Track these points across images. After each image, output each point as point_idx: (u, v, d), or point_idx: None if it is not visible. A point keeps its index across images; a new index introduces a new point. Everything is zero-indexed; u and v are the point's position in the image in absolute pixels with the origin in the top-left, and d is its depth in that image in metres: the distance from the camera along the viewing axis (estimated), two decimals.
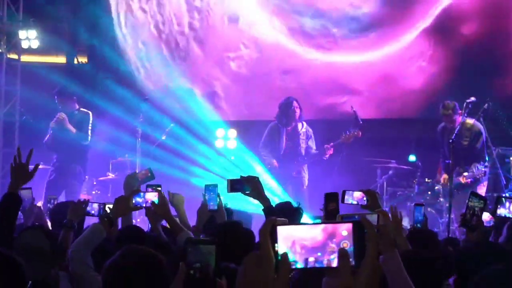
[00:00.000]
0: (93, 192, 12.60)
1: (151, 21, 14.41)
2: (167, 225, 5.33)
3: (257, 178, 5.73)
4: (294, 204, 6.50)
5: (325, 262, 1.94)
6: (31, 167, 5.07)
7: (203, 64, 13.82)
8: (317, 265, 1.95)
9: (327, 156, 10.88)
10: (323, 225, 1.96)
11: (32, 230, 4.74)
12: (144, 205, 5.26)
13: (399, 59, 12.79)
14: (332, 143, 10.90)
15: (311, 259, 1.94)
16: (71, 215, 5.41)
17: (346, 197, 5.64)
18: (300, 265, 1.95)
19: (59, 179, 10.70)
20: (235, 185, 5.70)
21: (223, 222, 5.53)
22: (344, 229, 1.95)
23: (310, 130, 11.10)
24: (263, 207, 5.60)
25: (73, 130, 10.56)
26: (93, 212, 5.91)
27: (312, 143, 11.06)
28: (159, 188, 5.63)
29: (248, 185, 5.66)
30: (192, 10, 14.04)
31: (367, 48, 12.79)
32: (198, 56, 13.96)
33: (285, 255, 1.90)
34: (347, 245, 1.94)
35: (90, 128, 10.69)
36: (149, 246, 3.86)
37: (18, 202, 4.96)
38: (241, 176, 5.77)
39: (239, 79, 13.57)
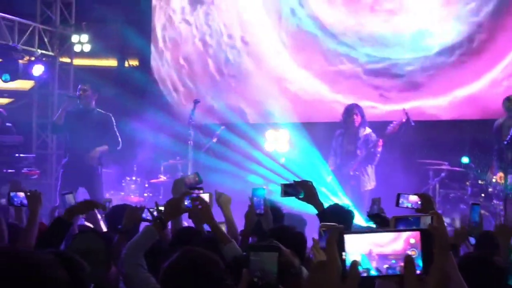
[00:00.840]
0: (145, 195, 12.70)
1: (196, 34, 14.42)
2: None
3: (311, 182, 5.69)
4: (346, 207, 6.44)
5: (398, 269, 1.95)
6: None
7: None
8: (390, 272, 1.95)
9: (379, 149, 10.84)
10: (393, 233, 1.96)
11: (87, 233, 4.79)
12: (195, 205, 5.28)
13: None
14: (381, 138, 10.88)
15: (384, 266, 1.94)
16: (127, 221, 5.44)
17: (401, 200, 5.60)
18: (374, 272, 1.95)
19: (77, 179, 10.27)
20: (288, 190, 5.67)
21: (274, 227, 5.51)
22: (412, 237, 1.95)
23: (373, 135, 11.01)
24: (317, 212, 5.57)
25: (106, 149, 10.44)
26: (148, 217, 5.91)
27: (374, 149, 10.96)
28: (201, 191, 5.61)
29: (301, 189, 5.63)
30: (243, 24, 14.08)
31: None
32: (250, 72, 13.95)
33: (355, 263, 1.90)
34: (415, 252, 1.94)
35: (116, 130, 10.54)
36: (203, 247, 3.89)
37: (67, 228, 5.03)
38: (294, 181, 5.74)
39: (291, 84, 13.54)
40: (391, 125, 10.97)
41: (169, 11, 14.69)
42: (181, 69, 14.54)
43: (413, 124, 11.06)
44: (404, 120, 10.93)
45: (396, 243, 1.94)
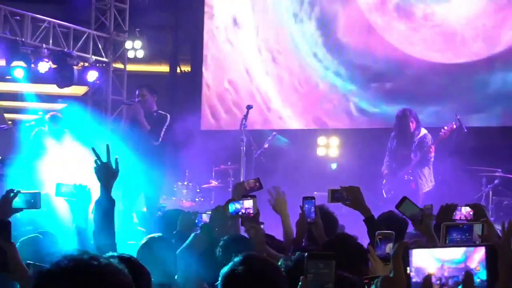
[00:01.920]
0: (196, 200, 12.77)
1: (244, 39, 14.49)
2: None
3: (358, 188, 5.66)
4: (400, 214, 6.38)
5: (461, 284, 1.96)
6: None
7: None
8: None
9: (431, 154, 10.76)
10: (460, 249, 1.97)
11: (158, 239, 4.86)
12: (241, 212, 5.33)
13: None
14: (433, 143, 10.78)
15: (448, 281, 1.96)
16: (181, 227, 5.51)
17: (455, 212, 5.59)
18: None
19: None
20: (335, 195, 5.65)
21: (332, 236, 5.53)
22: (477, 252, 1.95)
23: (429, 136, 10.90)
24: (364, 218, 5.56)
25: (147, 126, 10.41)
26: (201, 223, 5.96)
27: (428, 151, 10.87)
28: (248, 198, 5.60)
29: (348, 195, 5.62)
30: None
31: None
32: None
33: (428, 277, 1.91)
34: (479, 268, 1.94)
35: (164, 130, 10.50)
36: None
37: (113, 203, 4.79)
38: (341, 186, 5.73)
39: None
40: (443, 130, 10.87)
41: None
42: (233, 75, 14.61)
43: (465, 130, 10.96)
44: (455, 126, 10.82)
45: (460, 258, 1.95)
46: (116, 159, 4.77)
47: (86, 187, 5.63)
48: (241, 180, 11.21)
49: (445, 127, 10.85)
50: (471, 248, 1.97)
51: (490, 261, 1.95)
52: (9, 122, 16.22)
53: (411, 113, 10.88)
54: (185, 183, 12.94)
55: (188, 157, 13.16)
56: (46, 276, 2.09)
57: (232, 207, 5.28)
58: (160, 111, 10.58)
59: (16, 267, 3.48)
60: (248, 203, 5.33)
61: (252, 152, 12.52)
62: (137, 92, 10.59)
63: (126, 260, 3.26)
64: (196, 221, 5.89)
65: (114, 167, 4.73)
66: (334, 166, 12.71)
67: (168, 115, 10.48)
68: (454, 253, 1.96)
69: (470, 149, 11.30)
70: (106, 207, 4.67)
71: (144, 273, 3.45)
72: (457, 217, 5.55)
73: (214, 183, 13.02)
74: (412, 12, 12.79)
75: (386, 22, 13.02)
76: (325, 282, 2.64)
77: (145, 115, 10.31)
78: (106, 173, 4.72)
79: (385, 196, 10.89)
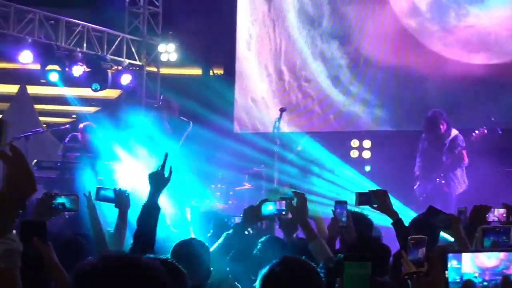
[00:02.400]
0: (229, 202, 12.78)
1: (278, 38, 14.48)
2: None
3: (385, 191, 5.63)
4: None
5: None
6: None
7: None
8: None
9: (465, 161, 10.67)
10: (499, 253, 1.97)
11: (192, 240, 4.91)
12: (278, 213, 5.35)
13: None
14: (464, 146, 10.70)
15: (489, 284, 1.95)
16: (215, 229, 5.56)
17: (488, 214, 5.57)
18: None
19: None
20: (363, 198, 5.64)
21: (357, 237, 5.51)
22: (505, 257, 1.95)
23: (460, 138, 10.81)
24: (392, 221, 5.54)
25: (168, 128, 10.40)
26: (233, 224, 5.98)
27: (461, 154, 10.79)
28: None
29: (376, 198, 5.60)
30: None
31: None
32: None
33: (468, 282, 1.92)
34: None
35: (185, 136, 10.47)
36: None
37: (158, 210, 4.85)
38: (369, 190, 5.72)
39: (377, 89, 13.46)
40: (474, 134, 10.75)
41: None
42: (265, 77, 14.60)
43: (500, 132, 10.86)
44: (486, 131, 10.70)
45: (500, 262, 1.95)
46: (171, 168, 4.83)
47: (126, 192, 5.72)
48: (274, 182, 11.24)
49: (476, 131, 10.73)
50: (509, 253, 1.97)
51: None
52: (44, 125, 16.40)
53: (441, 115, 10.78)
54: (218, 185, 12.95)
55: (221, 159, 13.20)
56: (92, 274, 2.11)
57: (266, 207, 5.29)
58: (182, 118, 10.61)
59: (52, 267, 3.51)
60: (282, 205, 5.33)
61: (285, 155, 12.52)
62: (161, 97, 10.65)
63: (163, 262, 3.31)
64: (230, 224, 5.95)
65: (167, 176, 4.79)
66: (367, 168, 12.65)
67: (191, 122, 10.48)
68: (492, 257, 1.96)
69: (504, 150, 11.20)
70: (152, 212, 4.75)
71: (181, 276, 3.49)
72: (490, 219, 5.53)
73: (247, 185, 13.00)
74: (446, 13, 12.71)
75: (419, 24, 12.94)
76: (361, 284, 2.65)
77: (167, 119, 10.34)
78: (160, 180, 4.78)
79: (418, 198, 10.83)
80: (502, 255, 1.98)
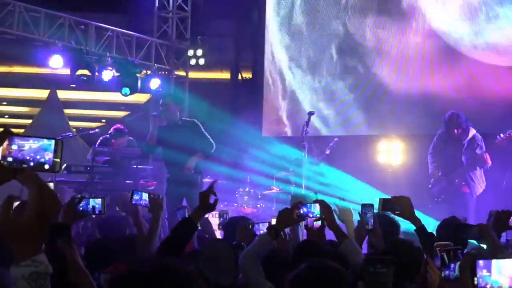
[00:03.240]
0: (258, 206, 12.79)
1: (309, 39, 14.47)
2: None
3: (408, 198, 5.62)
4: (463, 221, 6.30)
5: None
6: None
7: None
8: None
9: (488, 164, 10.57)
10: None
11: (218, 241, 4.92)
12: (309, 215, 5.34)
13: None
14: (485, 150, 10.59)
15: None
16: (240, 238, 5.55)
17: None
18: None
19: (180, 193, 10.07)
20: (386, 205, 5.65)
21: (391, 240, 5.49)
22: None
23: (478, 137, 10.72)
24: (415, 228, 5.53)
25: (201, 156, 10.33)
26: (261, 232, 5.97)
27: (479, 151, 10.70)
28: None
29: (399, 205, 5.60)
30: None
31: None
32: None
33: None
34: None
35: (205, 133, 10.36)
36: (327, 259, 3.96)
37: (195, 229, 4.97)
38: (392, 196, 5.71)
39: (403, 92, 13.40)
40: (499, 138, 10.62)
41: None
42: (292, 81, 14.61)
43: None
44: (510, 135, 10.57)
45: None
46: (216, 198, 4.95)
47: (160, 197, 5.76)
48: (302, 186, 11.23)
49: (501, 135, 10.61)
50: None
51: None
52: (74, 130, 16.54)
53: (458, 117, 10.68)
54: (247, 189, 12.96)
55: (249, 163, 13.22)
56: (127, 281, 2.13)
57: (300, 210, 5.30)
58: (184, 118, 10.54)
59: (76, 270, 3.52)
60: (315, 208, 5.35)
61: (314, 159, 12.51)
62: (160, 102, 10.57)
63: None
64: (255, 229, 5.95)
65: (212, 203, 4.91)
66: (392, 171, 12.62)
67: (195, 120, 10.36)
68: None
69: None
70: (189, 229, 4.87)
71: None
72: None
73: (275, 189, 13.02)
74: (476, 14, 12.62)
75: (448, 25, 12.87)
76: (383, 287, 2.64)
77: (169, 125, 10.26)
78: (206, 205, 4.90)
79: (436, 199, 10.74)
80: None
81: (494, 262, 1.97)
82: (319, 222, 5.66)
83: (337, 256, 4.92)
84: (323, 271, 3.28)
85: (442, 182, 10.77)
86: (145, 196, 5.78)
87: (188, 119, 10.56)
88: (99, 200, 5.26)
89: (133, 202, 5.83)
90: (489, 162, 10.55)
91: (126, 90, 13.53)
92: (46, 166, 2.04)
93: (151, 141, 10.22)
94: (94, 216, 6.48)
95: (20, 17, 12.44)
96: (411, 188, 11.41)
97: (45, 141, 2.06)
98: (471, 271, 1.94)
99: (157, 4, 15.06)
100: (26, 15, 12.48)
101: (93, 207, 5.24)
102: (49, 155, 2.04)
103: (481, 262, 1.97)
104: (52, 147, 2.07)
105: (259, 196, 12.99)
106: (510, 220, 5.54)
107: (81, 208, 5.12)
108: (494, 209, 5.72)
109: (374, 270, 2.65)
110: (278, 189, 12.96)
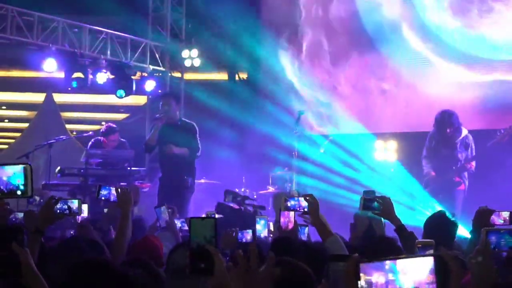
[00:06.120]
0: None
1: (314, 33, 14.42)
2: None
3: (389, 198, 5.63)
4: (450, 216, 6.27)
5: None
6: None
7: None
8: None
9: (472, 168, 10.56)
10: (408, 259, 1.94)
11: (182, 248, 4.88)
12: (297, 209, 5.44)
13: None
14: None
15: None
16: (224, 244, 5.52)
17: (492, 217, 5.54)
18: None
19: (170, 193, 10.39)
20: (367, 203, 5.67)
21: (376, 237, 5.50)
22: (427, 263, 1.92)
23: (470, 138, 10.69)
24: (394, 228, 5.54)
25: (186, 151, 10.48)
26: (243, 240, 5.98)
27: (470, 152, 10.67)
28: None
29: (380, 204, 5.61)
30: None
31: None
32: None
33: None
34: (430, 278, 1.91)
35: (198, 139, 10.57)
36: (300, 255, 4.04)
37: None
38: (374, 196, 5.73)
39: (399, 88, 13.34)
40: (499, 134, 10.57)
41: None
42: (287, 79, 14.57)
43: None
44: (510, 130, 10.51)
45: (413, 269, 1.92)
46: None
47: (128, 192, 5.68)
48: (293, 185, 11.23)
49: (502, 130, 10.56)
50: (421, 259, 1.94)
51: (439, 272, 1.92)
52: (73, 133, 16.57)
53: (450, 116, 10.63)
54: (242, 189, 12.92)
55: (245, 162, 13.20)
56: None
57: (288, 203, 5.45)
58: (184, 119, 10.68)
59: (29, 273, 3.52)
60: (303, 203, 5.41)
61: (308, 157, 12.50)
62: (161, 102, 10.68)
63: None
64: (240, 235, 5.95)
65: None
66: (392, 170, 12.55)
67: (194, 123, 10.56)
68: (404, 264, 1.93)
69: None
70: None
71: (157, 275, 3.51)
72: (497, 222, 5.52)
73: (271, 188, 12.98)
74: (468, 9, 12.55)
75: (442, 20, 12.80)
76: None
77: (169, 124, 10.39)
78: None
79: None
80: None
81: (379, 265, 1.96)
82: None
83: (312, 252, 4.91)
84: (290, 271, 3.26)
85: (439, 183, 10.73)
86: (113, 190, 5.72)
87: (187, 120, 10.68)
88: (75, 201, 5.27)
89: (101, 197, 5.78)
90: (473, 167, 10.59)
91: (121, 92, 13.52)
92: (19, 192, 2.15)
93: (151, 141, 10.45)
94: (71, 217, 6.45)
95: (14, 21, 12.47)
96: (406, 186, 11.43)
97: (16, 168, 2.19)
98: (355, 275, 1.93)
99: (151, 6, 15.01)
100: (19, 19, 12.50)
101: (70, 208, 5.24)
102: (19, 181, 2.17)
103: (365, 265, 1.96)
104: (22, 172, 2.18)
105: (255, 196, 12.94)
106: (491, 218, 5.54)
107: (58, 210, 5.12)
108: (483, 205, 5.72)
109: (334, 267, 2.64)
110: (273, 189, 12.92)
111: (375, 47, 13.40)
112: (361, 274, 1.97)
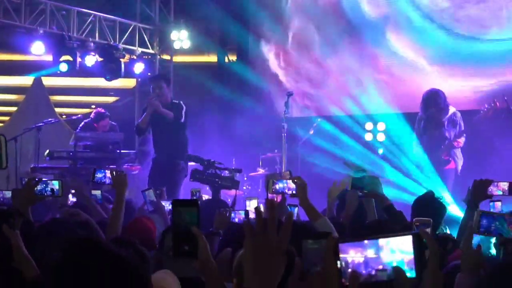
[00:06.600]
0: (244, 188, 12.75)
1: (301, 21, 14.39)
2: None
3: (377, 178, 5.67)
4: (439, 198, 6.25)
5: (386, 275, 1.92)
6: None
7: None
8: (380, 278, 1.93)
9: (460, 144, 10.58)
10: (384, 239, 1.94)
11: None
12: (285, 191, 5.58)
13: None
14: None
15: (378, 272, 1.92)
16: (217, 224, 5.52)
17: (490, 188, 5.57)
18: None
19: (163, 174, 10.40)
20: (355, 183, 5.71)
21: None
22: (406, 241, 1.92)
23: (458, 115, 10.69)
24: (383, 207, 5.59)
25: (170, 113, 10.49)
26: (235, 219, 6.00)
27: (458, 129, 10.67)
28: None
29: (368, 184, 5.65)
30: None
31: None
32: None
33: (355, 273, 1.89)
34: (408, 257, 1.91)
35: (184, 112, 10.57)
36: None
37: None
38: (363, 175, 5.77)
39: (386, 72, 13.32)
40: (483, 110, 10.61)
41: None
42: (276, 61, 14.54)
43: None
44: (498, 104, 10.53)
45: (391, 248, 1.92)
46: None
47: (123, 174, 5.68)
48: (283, 167, 11.23)
49: (486, 105, 10.61)
50: (398, 238, 1.94)
51: (418, 250, 1.93)
52: (64, 117, 16.51)
53: (435, 94, 10.63)
54: None
55: (234, 145, 13.18)
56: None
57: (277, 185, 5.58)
58: (174, 101, 10.70)
59: (20, 256, 3.52)
60: (292, 185, 5.50)
61: (297, 139, 12.49)
62: (152, 85, 10.69)
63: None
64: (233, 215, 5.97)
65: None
66: (380, 151, 12.58)
67: (181, 102, 10.58)
68: (380, 244, 1.93)
69: None
70: None
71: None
72: (495, 193, 5.59)
73: (261, 171, 13.00)
74: None
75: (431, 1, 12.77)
76: (316, 263, 2.60)
77: (162, 105, 10.43)
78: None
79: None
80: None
81: (357, 244, 1.95)
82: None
83: (298, 229, 4.91)
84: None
85: (428, 162, 10.75)
86: (108, 173, 5.77)
87: (176, 101, 10.68)
88: (56, 182, 5.26)
89: (96, 180, 5.85)
90: (461, 143, 10.60)
91: (110, 75, 13.49)
92: None
93: (143, 124, 10.46)
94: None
95: (1, 4, 12.37)
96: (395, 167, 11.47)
97: None
98: (335, 255, 1.92)
99: None
100: (6, 2, 12.40)
101: (52, 190, 5.24)
102: None
103: (343, 245, 1.96)
104: None
105: (245, 178, 12.97)
106: (488, 188, 5.56)
107: (38, 191, 5.11)
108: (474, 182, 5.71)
109: (306, 246, 2.62)
110: (264, 171, 12.94)
111: (363, 36, 13.35)
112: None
